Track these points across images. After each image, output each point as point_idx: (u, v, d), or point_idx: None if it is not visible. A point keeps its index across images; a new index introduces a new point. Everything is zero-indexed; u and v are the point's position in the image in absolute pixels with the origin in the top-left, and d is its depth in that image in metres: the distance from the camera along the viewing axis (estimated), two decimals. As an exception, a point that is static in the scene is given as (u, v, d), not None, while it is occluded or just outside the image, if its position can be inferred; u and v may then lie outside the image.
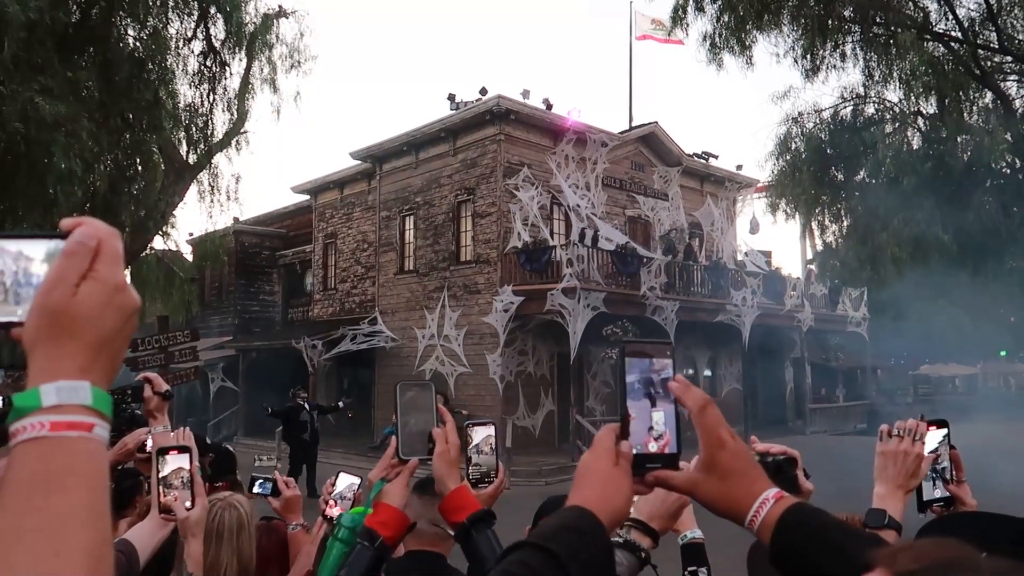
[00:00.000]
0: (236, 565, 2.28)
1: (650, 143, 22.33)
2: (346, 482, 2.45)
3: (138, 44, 12.20)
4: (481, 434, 1.91)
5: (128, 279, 0.67)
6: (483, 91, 19.45)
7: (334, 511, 2.41)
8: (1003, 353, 42.46)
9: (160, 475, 2.04)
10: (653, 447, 0.95)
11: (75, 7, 11.68)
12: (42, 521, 0.56)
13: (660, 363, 0.98)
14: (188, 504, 2.04)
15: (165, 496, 2.03)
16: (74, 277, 0.63)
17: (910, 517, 1.57)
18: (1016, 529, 1.11)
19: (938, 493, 1.60)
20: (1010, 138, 12.40)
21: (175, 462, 2.06)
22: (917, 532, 1.33)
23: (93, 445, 0.61)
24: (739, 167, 24.88)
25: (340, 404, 15.25)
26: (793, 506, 0.90)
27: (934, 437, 1.61)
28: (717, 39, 13.69)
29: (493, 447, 1.91)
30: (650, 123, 22.46)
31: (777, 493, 0.92)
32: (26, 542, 0.55)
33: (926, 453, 1.59)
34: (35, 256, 0.66)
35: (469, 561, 1.42)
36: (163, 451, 2.07)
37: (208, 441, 4.97)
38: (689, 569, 1.81)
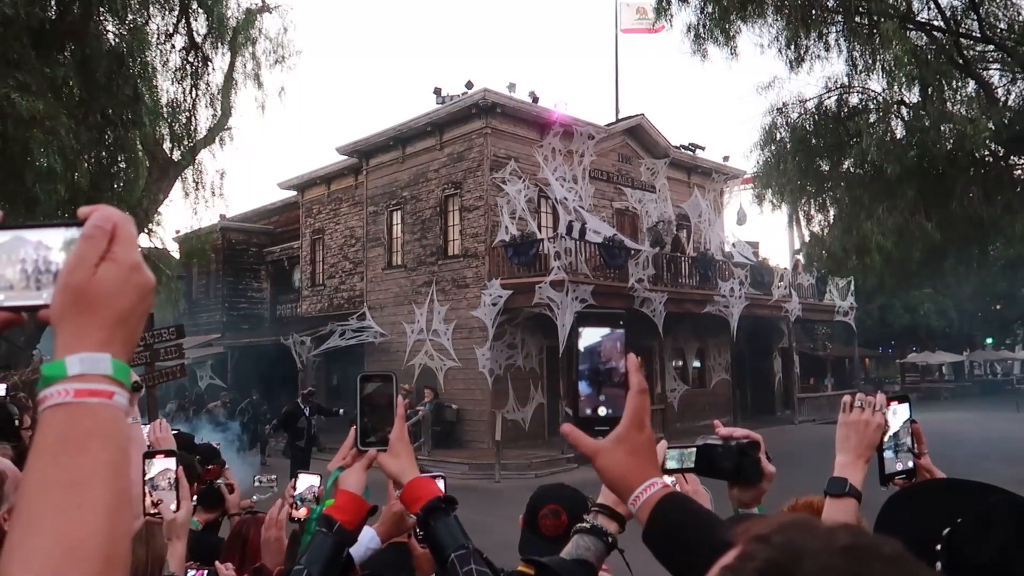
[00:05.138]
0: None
1: (637, 135, 22.35)
2: (306, 483, 2.45)
3: (118, 40, 12.06)
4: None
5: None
6: (469, 85, 19.41)
7: (299, 512, 2.42)
8: (989, 340, 42.87)
9: (147, 476, 2.08)
10: (602, 411, 1.08)
11: (53, 2, 11.56)
12: (66, 477, 0.62)
13: (611, 333, 1.10)
14: (173, 506, 2.08)
15: (151, 497, 2.07)
16: (93, 258, 0.69)
17: (876, 491, 1.59)
18: (985, 499, 1.12)
19: (900, 466, 1.62)
20: (992, 126, 12.46)
21: (162, 464, 2.11)
22: (885, 502, 1.34)
23: (113, 411, 0.66)
24: (726, 158, 24.95)
25: (340, 412, 15.22)
26: (673, 493, 1.05)
27: (898, 412, 1.64)
28: (701, 30, 13.68)
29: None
30: (636, 115, 22.48)
31: (666, 483, 1.05)
32: (51, 496, 0.61)
33: (895, 427, 1.61)
34: (53, 245, 0.71)
35: (429, 549, 1.42)
36: (150, 454, 2.12)
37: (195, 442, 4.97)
38: None
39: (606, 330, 1.11)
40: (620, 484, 1.06)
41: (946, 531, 1.07)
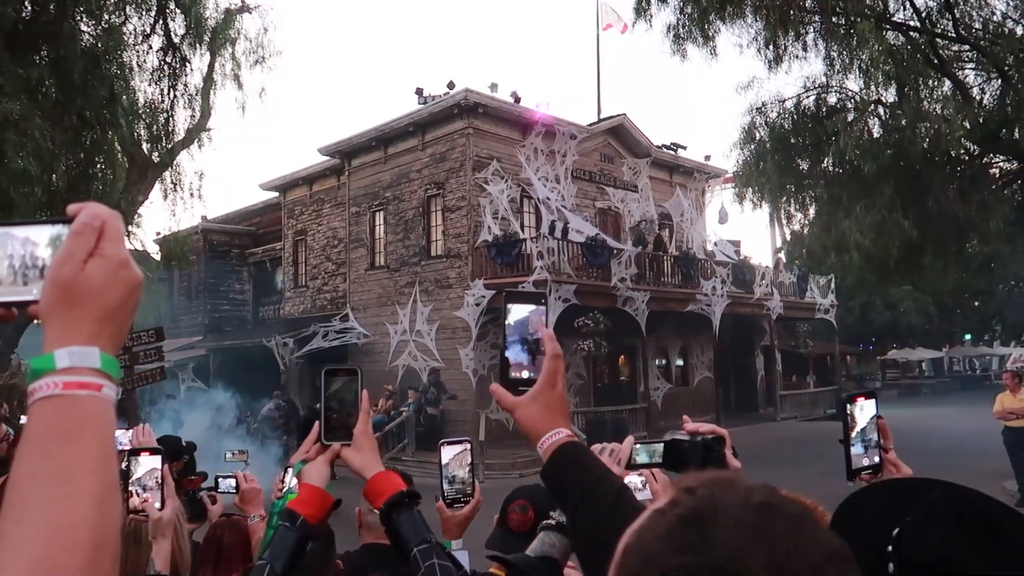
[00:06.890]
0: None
1: (619, 135, 22.43)
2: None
3: (94, 40, 11.91)
4: (452, 452, 1.85)
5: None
6: (451, 85, 19.39)
7: None
8: (968, 336, 43.45)
9: (134, 476, 2.06)
10: (525, 374, 1.25)
11: (27, 3, 11.40)
12: (55, 468, 0.63)
13: (535, 308, 1.28)
14: (158, 505, 2.06)
15: (137, 497, 2.06)
16: (82, 254, 0.70)
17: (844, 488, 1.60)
18: (932, 494, 1.13)
19: (866, 461, 1.63)
20: (967, 125, 12.61)
21: (148, 463, 2.08)
22: (840, 504, 1.35)
23: (102, 403, 0.68)
24: (707, 157, 25.09)
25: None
26: (573, 442, 1.21)
27: (864, 408, 1.66)
28: (680, 30, 13.76)
29: (466, 465, 1.85)
30: (618, 115, 22.55)
31: (570, 433, 1.21)
32: (40, 486, 0.62)
33: (862, 423, 1.64)
34: (40, 241, 0.72)
35: (392, 543, 1.42)
36: (135, 452, 2.10)
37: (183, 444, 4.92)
38: None
39: (532, 306, 1.28)
40: (532, 433, 1.22)
41: (895, 532, 1.08)
